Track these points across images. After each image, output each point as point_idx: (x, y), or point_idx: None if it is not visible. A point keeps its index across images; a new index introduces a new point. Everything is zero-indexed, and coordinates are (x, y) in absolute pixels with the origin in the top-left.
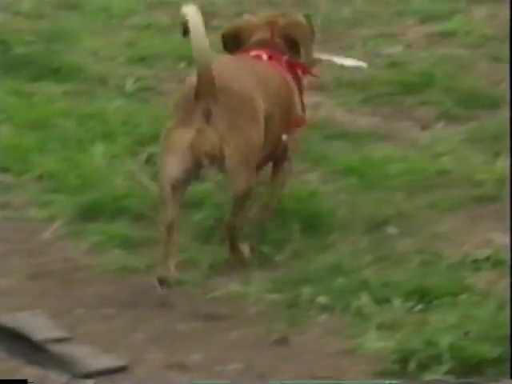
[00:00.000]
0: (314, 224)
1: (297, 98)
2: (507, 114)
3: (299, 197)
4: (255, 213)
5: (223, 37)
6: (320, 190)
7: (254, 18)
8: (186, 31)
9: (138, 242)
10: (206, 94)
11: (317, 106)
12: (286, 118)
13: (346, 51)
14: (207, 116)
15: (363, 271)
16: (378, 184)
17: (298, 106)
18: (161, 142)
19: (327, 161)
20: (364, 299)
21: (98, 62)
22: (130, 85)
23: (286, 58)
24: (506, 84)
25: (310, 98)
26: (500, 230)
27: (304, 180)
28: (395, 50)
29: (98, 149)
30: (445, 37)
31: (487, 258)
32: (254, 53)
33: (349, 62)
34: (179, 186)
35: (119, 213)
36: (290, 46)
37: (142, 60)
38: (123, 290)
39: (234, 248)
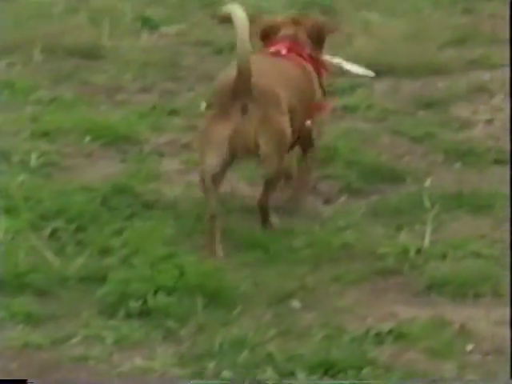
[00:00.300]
0: (218, 298)
1: (316, 86)
2: (409, 188)
3: (203, 271)
4: (292, 191)
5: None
6: (224, 264)
7: (278, 18)
8: (222, 20)
9: (41, 318)
10: (243, 90)
11: None
12: (307, 105)
13: None
14: (244, 111)
15: (267, 345)
16: (281, 257)
17: (318, 93)
18: (198, 137)
19: (231, 234)
20: (269, 373)
21: (2, 137)
22: (33, 160)
23: (307, 51)
24: (409, 157)
25: None
26: (403, 303)
27: (207, 254)
28: None
29: (1, 224)
30: (347, 111)
31: (390, 331)
32: (273, 49)
33: (357, 68)
34: (218, 177)
35: (22, 288)
36: (314, 43)
37: (45, 135)
38: (27, 366)
39: (265, 221)
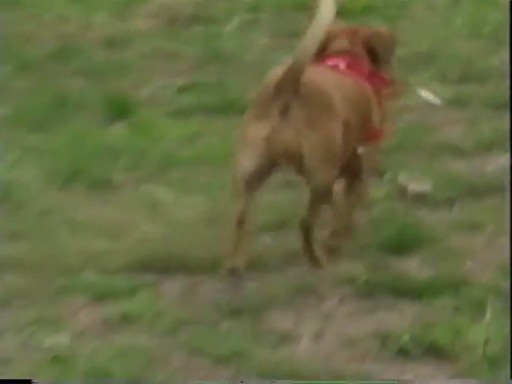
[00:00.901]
0: None
1: (375, 110)
2: None
3: None
4: (328, 236)
5: None
6: None
7: (333, 27)
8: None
9: None
10: (288, 87)
11: None
12: (361, 128)
13: None
14: (285, 111)
15: None
16: None
17: (376, 118)
18: (237, 137)
19: None
20: None
21: None
22: None
23: (367, 67)
24: None
25: None
26: None
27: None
28: (60, 339)
29: None
30: (126, 321)
31: None
32: (331, 62)
33: (426, 94)
34: (253, 181)
35: None
36: (371, 56)
37: None
38: None
39: (308, 247)
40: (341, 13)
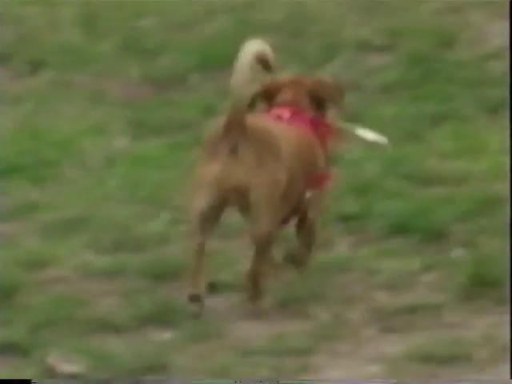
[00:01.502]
0: None
1: (319, 156)
2: None
3: None
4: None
5: (257, 95)
6: None
7: (280, 77)
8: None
9: None
10: (235, 128)
11: None
12: (307, 174)
13: None
14: (234, 150)
15: None
16: None
17: (321, 164)
18: (190, 183)
19: None
20: None
21: None
22: None
23: (310, 116)
24: None
25: None
26: None
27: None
28: None
29: None
30: None
31: None
32: (275, 112)
33: (371, 136)
34: (208, 218)
35: None
36: (316, 105)
37: None
38: None
39: (253, 296)
40: None
